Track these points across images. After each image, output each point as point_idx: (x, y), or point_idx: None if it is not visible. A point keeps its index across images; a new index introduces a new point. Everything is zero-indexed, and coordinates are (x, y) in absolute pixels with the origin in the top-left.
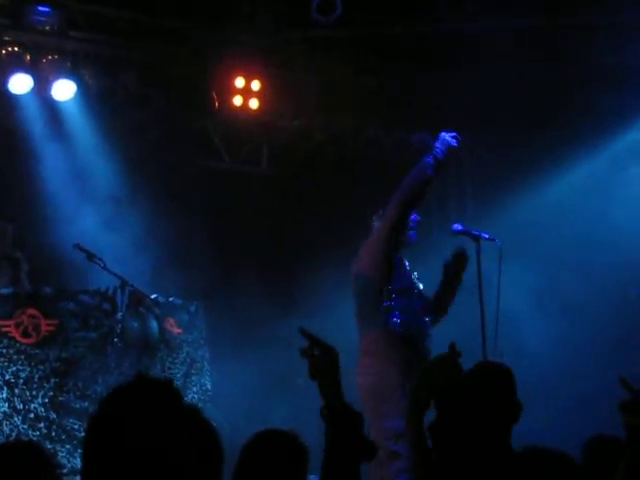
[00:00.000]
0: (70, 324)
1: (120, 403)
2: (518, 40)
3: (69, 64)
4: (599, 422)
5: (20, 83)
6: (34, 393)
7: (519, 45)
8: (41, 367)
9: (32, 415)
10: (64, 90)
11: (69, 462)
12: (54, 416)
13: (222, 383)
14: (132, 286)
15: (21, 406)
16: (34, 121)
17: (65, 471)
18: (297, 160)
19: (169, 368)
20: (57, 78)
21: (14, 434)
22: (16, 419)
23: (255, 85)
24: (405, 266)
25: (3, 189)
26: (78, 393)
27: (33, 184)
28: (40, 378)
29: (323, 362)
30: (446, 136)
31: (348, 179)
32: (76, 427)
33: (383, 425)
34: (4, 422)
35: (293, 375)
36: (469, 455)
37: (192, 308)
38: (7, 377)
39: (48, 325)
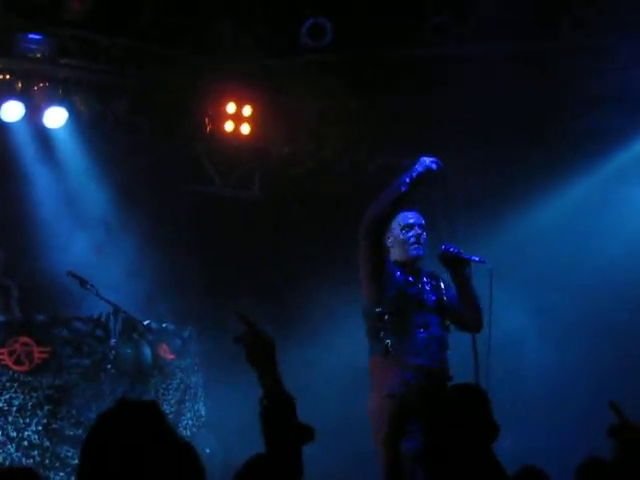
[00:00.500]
0: (63, 351)
1: (104, 430)
2: (504, 64)
3: (60, 91)
4: (593, 443)
5: (12, 110)
6: (27, 421)
7: (505, 69)
8: (34, 394)
9: (26, 443)
10: (55, 117)
11: None
12: (48, 444)
13: (216, 409)
14: (125, 312)
15: (15, 434)
16: (26, 148)
17: None
18: (288, 185)
19: (163, 394)
20: (48, 105)
21: (7, 462)
22: (10, 447)
23: (246, 110)
24: (400, 283)
25: None
26: (72, 420)
27: (25, 210)
28: (33, 405)
29: (259, 348)
30: (426, 160)
31: (337, 204)
32: (70, 454)
33: (377, 449)
34: None
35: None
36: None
37: (185, 334)
38: (0, 405)
39: (41, 352)
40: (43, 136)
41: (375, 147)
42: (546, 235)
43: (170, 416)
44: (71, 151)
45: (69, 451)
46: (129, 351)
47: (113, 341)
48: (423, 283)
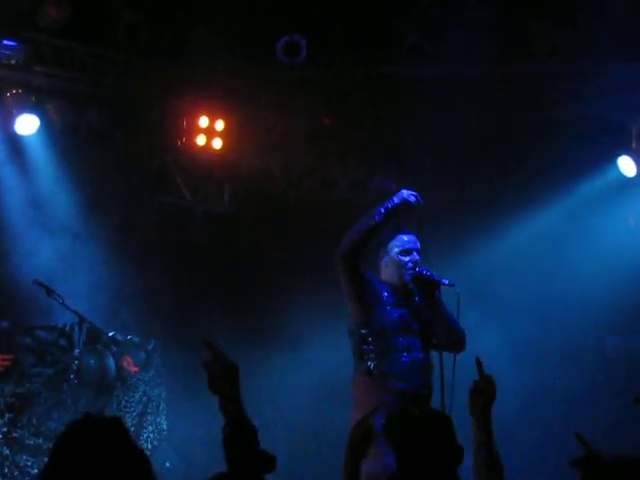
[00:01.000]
0: (26, 359)
1: (69, 444)
2: (476, 86)
3: (33, 99)
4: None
5: None
6: None
7: (476, 91)
8: None
9: None
10: (27, 125)
11: None
12: (7, 452)
13: (178, 423)
14: (90, 323)
15: None
16: None
17: None
18: (258, 200)
19: (125, 406)
20: (20, 112)
21: None
22: None
23: (219, 125)
24: (387, 304)
25: None
26: (32, 429)
27: None
28: None
29: (222, 374)
30: (404, 192)
31: (307, 219)
32: (29, 464)
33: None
34: None
35: (251, 415)
36: None
37: (150, 346)
38: None
39: (3, 360)
40: (14, 142)
41: (346, 164)
42: (515, 260)
43: (132, 429)
44: (42, 159)
45: (28, 460)
46: (92, 362)
47: (77, 351)
48: (410, 305)
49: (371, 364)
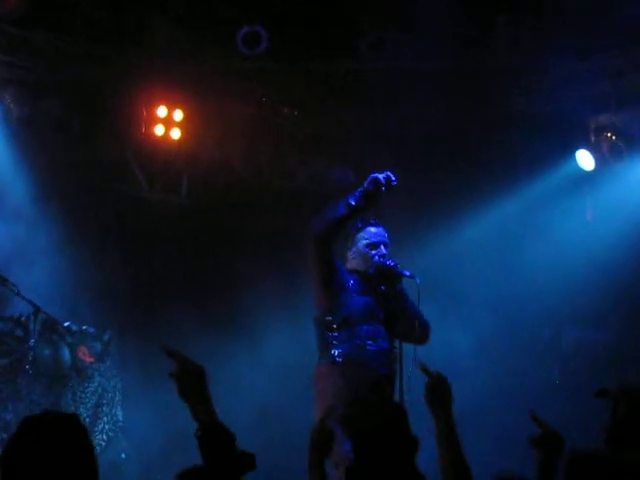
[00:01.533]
0: None
1: (25, 439)
2: (439, 79)
3: None
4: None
5: None
6: None
7: (439, 85)
8: None
9: None
10: None
11: None
12: None
13: (134, 414)
14: (45, 313)
15: None
16: None
17: None
18: (216, 191)
19: (80, 397)
20: None
21: None
22: None
23: (177, 115)
24: (355, 292)
25: None
26: None
27: None
28: None
29: (190, 380)
30: (375, 174)
31: (265, 210)
32: None
33: None
34: None
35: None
36: None
37: (105, 337)
38: None
39: None
40: None
41: (305, 156)
42: (472, 253)
43: (87, 420)
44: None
45: None
46: (47, 352)
47: (32, 341)
48: (375, 295)
49: (335, 351)
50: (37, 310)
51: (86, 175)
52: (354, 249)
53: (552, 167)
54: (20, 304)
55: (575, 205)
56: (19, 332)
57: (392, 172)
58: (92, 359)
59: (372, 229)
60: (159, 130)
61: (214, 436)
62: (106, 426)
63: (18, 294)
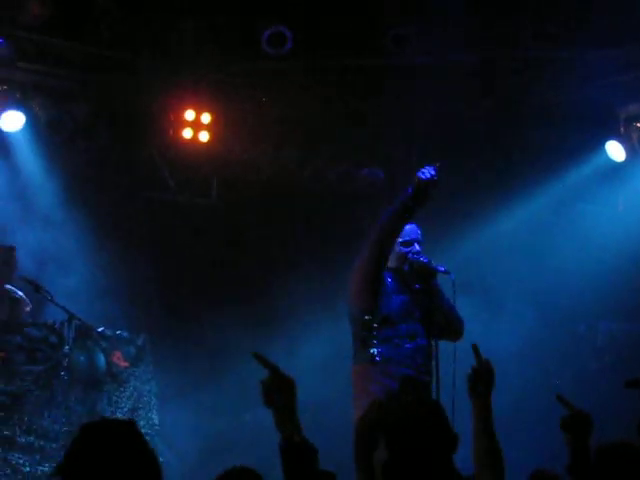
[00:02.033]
0: (16, 357)
1: (86, 445)
2: (465, 75)
3: (18, 95)
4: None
5: None
6: None
7: (465, 80)
8: None
9: None
10: (13, 121)
11: None
12: None
13: (170, 417)
14: (79, 319)
15: None
16: None
17: None
18: (246, 192)
19: (116, 402)
20: (6, 109)
21: None
22: None
23: (205, 118)
24: (392, 291)
25: None
26: (23, 427)
27: None
28: None
29: (280, 392)
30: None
31: (295, 211)
32: (21, 462)
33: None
34: None
35: (242, 410)
36: None
37: (139, 341)
38: None
39: None
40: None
41: (334, 155)
42: (503, 247)
43: None
44: (28, 155)
45: (21, 458)
46: (82, 358)
47: (67, 348)
48: (411, 293)
49: (374, 351)
50: (71, 316)
51: (115, 180)
52: None
53: (583, 159)
54: (54, 311)
55: (606, 197)
56: (53, 339)
57: (433, 168)
58: (127, 363)
59: (405, 227)
60: (187, 133)
61: (298, 451)
62: (143, 430)
63: (51, 301)
